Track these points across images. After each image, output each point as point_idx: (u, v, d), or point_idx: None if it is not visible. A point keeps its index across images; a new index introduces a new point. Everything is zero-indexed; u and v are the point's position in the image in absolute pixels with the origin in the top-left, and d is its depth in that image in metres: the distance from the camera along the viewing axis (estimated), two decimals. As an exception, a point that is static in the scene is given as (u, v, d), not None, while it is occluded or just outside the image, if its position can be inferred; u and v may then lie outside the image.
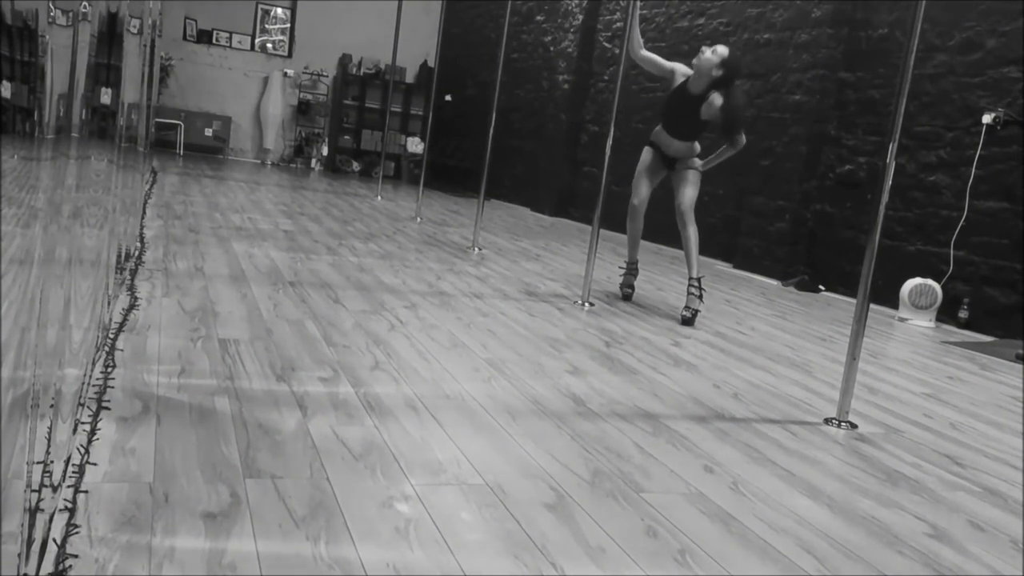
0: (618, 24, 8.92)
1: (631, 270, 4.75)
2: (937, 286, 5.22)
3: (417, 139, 12.43)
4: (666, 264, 6.63)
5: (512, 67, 10.67)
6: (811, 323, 4.72)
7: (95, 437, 1.81)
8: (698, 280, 4.29)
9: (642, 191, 4.62)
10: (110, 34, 2.16)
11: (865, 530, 1.90)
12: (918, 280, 5.30)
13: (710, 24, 7.69)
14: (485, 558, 1.53)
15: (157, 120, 10.11)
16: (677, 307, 4.61)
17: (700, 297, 4.26)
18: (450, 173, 12.09)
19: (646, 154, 4.64)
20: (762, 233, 6.69)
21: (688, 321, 4.16)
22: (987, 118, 5.15)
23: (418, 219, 7.39)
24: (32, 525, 1.23)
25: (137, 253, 3.95)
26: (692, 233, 4.42)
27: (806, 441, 2.51)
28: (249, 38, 12.21)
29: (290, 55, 12.38)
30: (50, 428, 1.38)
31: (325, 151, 12.54)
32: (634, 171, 4.65)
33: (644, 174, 4.63)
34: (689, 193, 4.48)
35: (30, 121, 1.15)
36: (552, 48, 10.01)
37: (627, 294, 4.74)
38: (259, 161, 12.37)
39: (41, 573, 1.28)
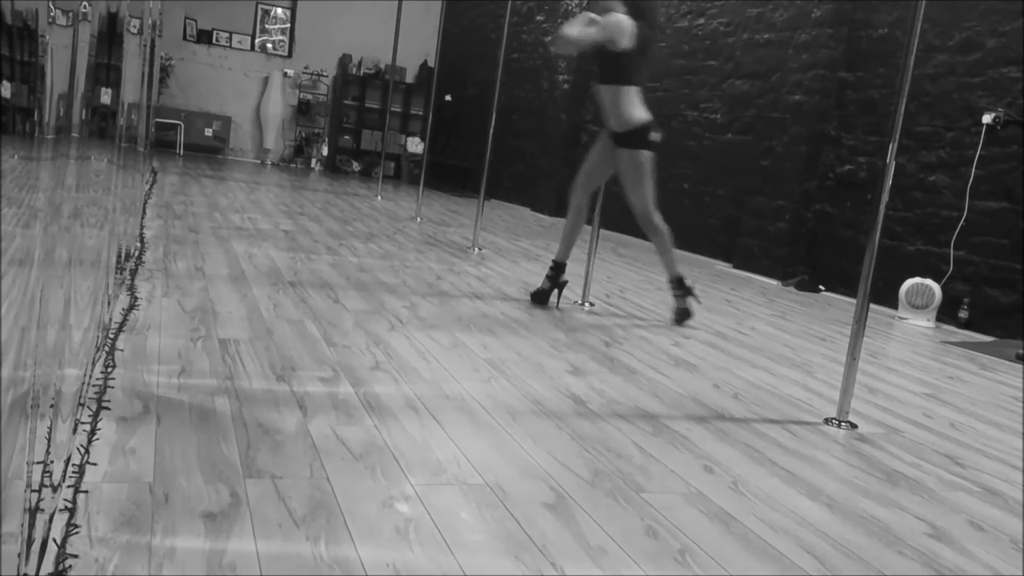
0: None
1: (554, 271, 4.16)
2: (935, 285, 5.22)
3: (417, 139, 12.43)
4: (666, 264, 6.63)
5: (512, 67, 10.67)
6: (811, 323, 4.72)
7: (95, 437, 1.81)
8: (677, 280, 4.10)
9: (579, 179, 4.16)
10: (110, 34, 2.16)
11: (865, 530, 1.90)
12: (915, 280, 5.30)
13: (710, 24, 7.69)
14: (485, 558, 1.53)
15: (157, 120, 10.11)
16: (677, 307, 4.61)
17: (684, 296, 4.11)
18: (450, 173, 12.09)
19: (647, 163, 4.01)
20: (762, 233, 6.69)
21: (677, 321, 4.10)
22: (987, 118, 5.15)
23: (418, 219, 7.39)
24: (32, 525, 1.23)
25: (137, 253, 3.95)
26: (659, 241, 4.06)
27: (806, 441, 2.51)
28: (249, 38, 12.20)
29: (290, 55, 12.38)
30: (50, 428, 1.38)
31: (325, 151, 12.54)
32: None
33: (585, 162, 4.17)
34: (634, 196, 3.97)
35: (30, 121, 1.15)
36: (552, 48, 10.01)
37: (538, 294, 4.16)
38: (259, 161, 12.36)
39: (41, 573, 1.28)
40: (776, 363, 3.53)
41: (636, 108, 3.94)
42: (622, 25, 3.82)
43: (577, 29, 3.88)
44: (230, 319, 3.02)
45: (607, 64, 3.95)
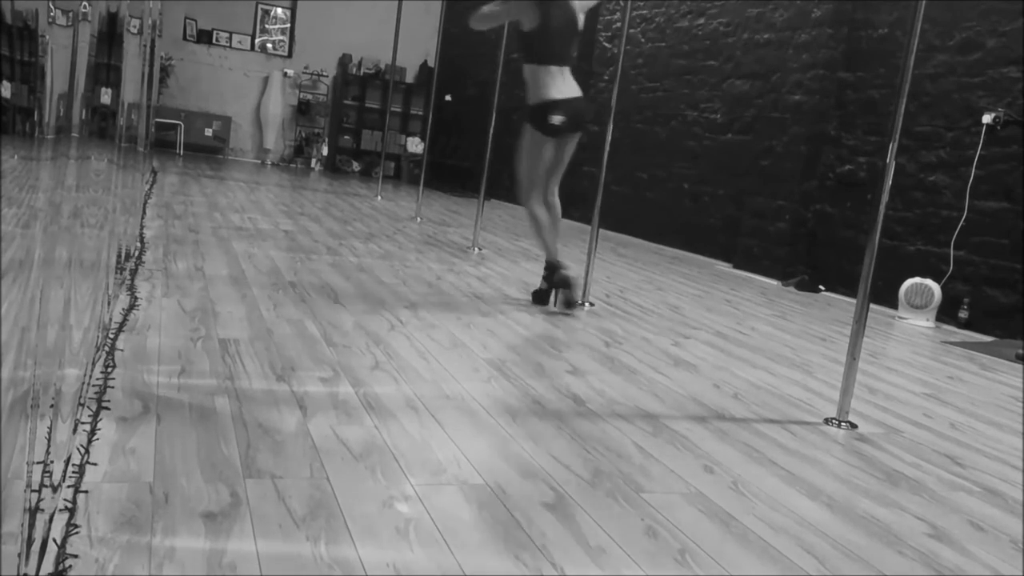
0: (618, 24, 8.92)
1: (548, 271, 4.14)
2: (934, 285, 5.23)
3: (417, 139, 12.43)
4: (666, 264, 6.63)
5: (512, 67, 10.65)
6: (811, 323, 4.72)
7: (95, 437, 1.81)
8: (550, 265, 4.04)
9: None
10: (110, 34, 2.16)
11: (865, 530, 1.90)
12: (915, 280, 5.30)
13: (710, 24, 7.69)
14: (485, 558, 1.53)
15: (157, 120, 10.11)
16: (678, 307, 4.61)
17: (560, 285, 3.98)
18: (450, 173, 12.08)
19: (541, 149, 4.00)
20: (762, 233, 6.69)
21: (566, 307, 3.98)
22: (987, 118, 5.15)
23: (418, 219, 7.39)
24: (32, 525, 1.23)
25: (137, 253, 3.95)
26: (531, 224, 4.08)
27: (806, 441, 2.51)
28: (249, 38, 12.21)
29: (290, 55, 12.38)
30: (50, 428, 1.38)
31: (325, 151, 12.54)
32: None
33: (545, 169, 4.09)
34: (520, 170, 4.07)
35: (30, 121, 1.15)
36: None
37: (538, 294, 4.17)
38: (259, 161, 12.37)
39: (41, 573, 1.28)
40: (776, 363, 3.53)
41: (546, 86, 3.93)
42: (519, 6, 3.91)
43: (488, 7, 4.00)
44: (230, 319, 3.02)
45: (520, 43, 4.05)
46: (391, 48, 9.84)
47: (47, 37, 1.17)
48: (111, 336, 2.56)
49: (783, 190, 6.54)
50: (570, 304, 4.00)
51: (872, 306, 4.96)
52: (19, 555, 1.15)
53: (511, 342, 3.25)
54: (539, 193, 4.08)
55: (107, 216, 2.44)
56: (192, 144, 11.71)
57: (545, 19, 3.91)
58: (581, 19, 4.09)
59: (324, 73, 12.50)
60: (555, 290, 4.13)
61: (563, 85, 3.96)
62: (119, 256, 3.11)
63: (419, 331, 3.22)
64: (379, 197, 9.00)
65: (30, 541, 1.23)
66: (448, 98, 12.05)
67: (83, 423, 1.85)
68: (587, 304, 4.26)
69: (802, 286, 6.16)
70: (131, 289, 3.22)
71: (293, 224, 5.98)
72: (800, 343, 4.05)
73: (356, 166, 12.57)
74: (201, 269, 3.85)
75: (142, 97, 4.24)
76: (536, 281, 4.69)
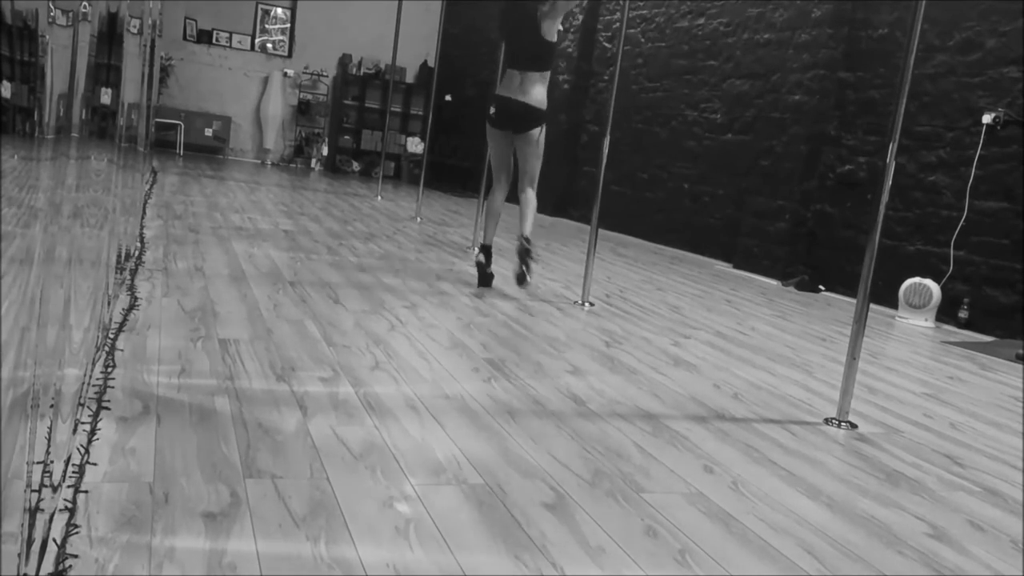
0: (618, 24, 8.91)
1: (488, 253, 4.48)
2: (933, 285, 5.22)
3: (417, 139, 12.43)
4: (666, 264, 6.63)
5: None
6: (811, 323, 4.72)
7: (95, 437, 1.81)
8: (484, 247, 4.42)
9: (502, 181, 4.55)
10: (110, 34, 2.16)
11: (865, 530, 1.90)
12: (914, 279, 5.30)
13: (710, 24, 7.69)
14: (485, 558, 1.53)
15: (157, 120, 10.10)
16: (678, 307, 4.61)
17: (478, 264, 4.41)
18: (450, 173, 12.08)
19: (489, 137, 4.49)
20: (762, 233, 6.69)
21: (479, 284, 4.40)
22: (987, 118, 5.15)
23: (418, 219, 7.39)
24: (32, 525, 1.23)
25: (137, 253, 3.95)
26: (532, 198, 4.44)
27: (806, 441, 2.51)
28: (249, 38, 12.20)
29: (290, 55, 12.38)
30: (50, 428, 1.38)
31: (325, 151, 12.54)
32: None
33: (498, 160, 4.51)
34: (537, 166, 4.43)
35: (30, 121, 1.15)
36: None
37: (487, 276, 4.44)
38: (259, 161, 12.36)
39: (41, 573, 1.28)
40: (776, 363, 3.53)
41: (499, 84, 4.47)
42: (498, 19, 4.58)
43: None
44: (230, 319, 3.02)
45: (543, 47, 4.37)
46: (391, 48, 9.84)
47: (47, 37, 1.17)
48: (111, 336, 2.56)
49: (783, 190, 6.54)
50: (483, 282, 4.39)
51: (872, 306, 4.96)
52: (19, 555, 1.15)
53: (511, 342, 3.25)
54: (498, 182, 4.54)
55: (107, 216, 2.44)
56: (192, 144, 11.71)
57: (505, 29, 4.44)
58: (550, 27, 4.28)
59: (324, 73, 12.50)
60: (521, 262, 4.27)
61: (512, 86, 4.34)
62: (119, 256, 3.11)
63: (419, 331, 3.22)
64: (379, 197, 9.00)
65: (30, 541, 1.23)
66: (448, 98, 12.05)
67: (83, 423, 1.85)
68: (587, 304, 4.26)
69: (802, 286, 6.16)
70: (131, 289, 3.22)
71: (293, 224, 5.98)
72: (800, 343, 4.05)
73: (356, 166, 12.57)
74: (201, 269, 3.85)
75: (142, 97, 4.24)
76: (537, 280, 4.69)
